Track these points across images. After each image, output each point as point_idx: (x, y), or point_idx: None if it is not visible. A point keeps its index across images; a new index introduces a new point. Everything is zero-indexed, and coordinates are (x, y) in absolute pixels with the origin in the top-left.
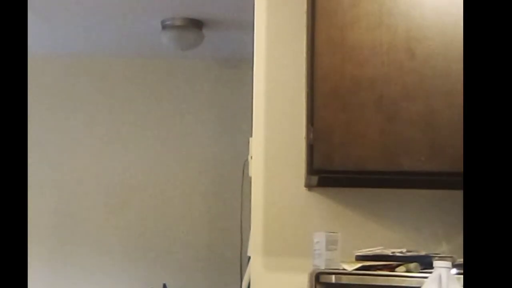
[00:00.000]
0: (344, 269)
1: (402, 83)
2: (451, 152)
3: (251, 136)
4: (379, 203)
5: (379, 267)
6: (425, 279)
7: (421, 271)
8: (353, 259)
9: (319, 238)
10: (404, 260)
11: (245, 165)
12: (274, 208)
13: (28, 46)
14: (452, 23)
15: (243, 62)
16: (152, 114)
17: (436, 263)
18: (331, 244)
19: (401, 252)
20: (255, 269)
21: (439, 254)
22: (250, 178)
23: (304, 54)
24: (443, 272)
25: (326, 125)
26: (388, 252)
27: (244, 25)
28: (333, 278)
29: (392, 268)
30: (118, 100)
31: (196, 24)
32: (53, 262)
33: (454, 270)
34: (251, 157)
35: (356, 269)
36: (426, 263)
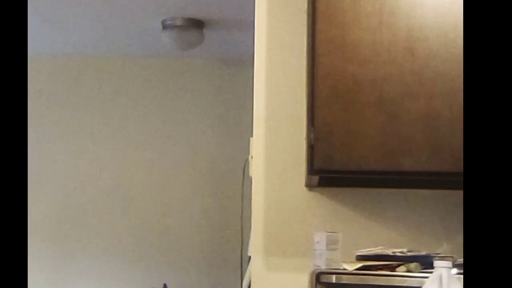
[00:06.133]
0: (344, 269)
1: (403, 82)
2: (451, 152)
3: (252, 136)
4: (379, 203)
5: (379, 267)
6: (425, 279)
7: (421, 271)
8: (354, 259)
9: (320, 238)
10: (405, 260)
11: (245, 165)
12: (275, 208)
13: (28, 46)
14: (453, 23)
15: (243, 62)
16: (153, 114)
17: (436, 263)
18: (331, 244)
19: (401, 252)
20: (256, 269)
21: (439, 254)
22: (251, 178)
23: (305, 54)
24: (444, 272)
25: (326, 125)
26: (389, 252)
27: (244, 25)
28: (333, 278)
29: (392, 268)
30: (118, 100)
31: (196, 24)
32: (53, 262)
33: (455, 270)
34: (252, 157)
35: (357, 269)
36: (426, 263)
